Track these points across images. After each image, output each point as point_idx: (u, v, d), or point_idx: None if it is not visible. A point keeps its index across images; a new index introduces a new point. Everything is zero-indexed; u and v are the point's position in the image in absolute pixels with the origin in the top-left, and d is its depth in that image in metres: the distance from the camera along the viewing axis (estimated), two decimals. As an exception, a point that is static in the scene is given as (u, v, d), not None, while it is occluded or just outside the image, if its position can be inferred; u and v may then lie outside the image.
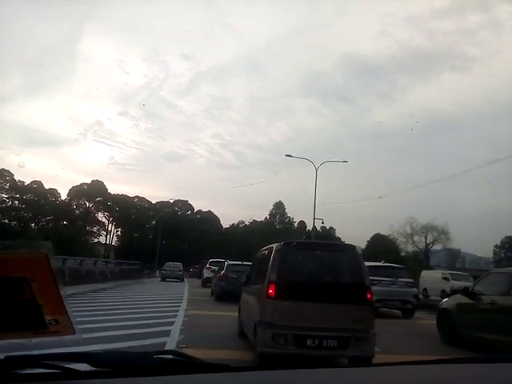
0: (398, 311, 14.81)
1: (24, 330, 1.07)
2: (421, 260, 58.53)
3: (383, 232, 63.84)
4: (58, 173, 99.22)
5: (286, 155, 36.27)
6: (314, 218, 35.70)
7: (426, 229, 58.59)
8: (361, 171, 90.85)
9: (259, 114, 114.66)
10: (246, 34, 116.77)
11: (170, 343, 7.16)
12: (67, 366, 1.16)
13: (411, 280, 15.38)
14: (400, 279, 14.60)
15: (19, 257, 1.05)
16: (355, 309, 6.01)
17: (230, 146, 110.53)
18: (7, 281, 1.01)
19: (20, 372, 1.10)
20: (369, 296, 6.08)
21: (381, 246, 58.81)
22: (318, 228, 41.52)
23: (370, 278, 6.82)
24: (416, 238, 59.81)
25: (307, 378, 1.29)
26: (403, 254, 60.23)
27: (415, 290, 14.93)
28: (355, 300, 6.06)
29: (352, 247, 7.00)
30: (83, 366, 1.15)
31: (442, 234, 57.51)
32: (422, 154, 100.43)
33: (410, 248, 60.94)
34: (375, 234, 65.58)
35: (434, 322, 10.02)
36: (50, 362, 1.14)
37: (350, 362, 5.82)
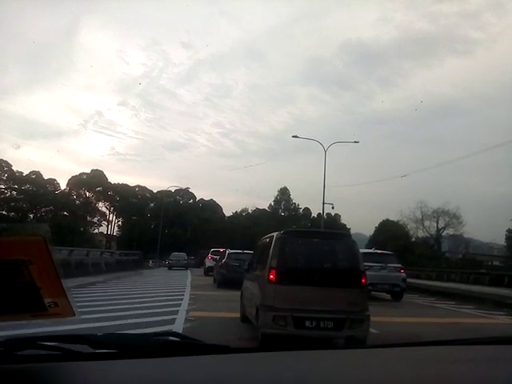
0: (388, 294, 16.06)
1: (23, 313, 1.08)
2: (432, 246, 57.64)
3: (392, 218, 63.09)
4: (53, 159, 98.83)
5: (293, 136, 35.41)
6: (324, 203, 34.72)
7: (438, 213, 57.39)
8: (365, 156, 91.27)
9: (260, 102, 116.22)
10: (245, 22, 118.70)
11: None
12: (67, 347, 1.19)
13: (400, 265, 16.71)
14: (389, 264, 16.00)
15: (17, 240, 1.05)
16: (350, 292, 6.47)
17: (231, 134, 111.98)
18: (5, 264, 1.01)
19: (20, 353, 1.13)
20: (363, 280, 6.55)
21: (390, 231, 58.06)
22: (324, 214, 40.19)
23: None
24: (427, 222, 58.75)
25: (306, 359, 1.32)
26: (414, 239, 59.23)
27: (403, 274, 16.12)
28: (351, 284, 6.52)
29: (348, 235, 7.69)
30: (83, 348, 1.17)
31: (454, 218, 56.32)
32: (425, 138, 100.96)
33: (421, 234, 59.92)
34: (384, 220, 64.64)
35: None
36: (50, 344, 1.17)
37: (346, 342, 6.16)
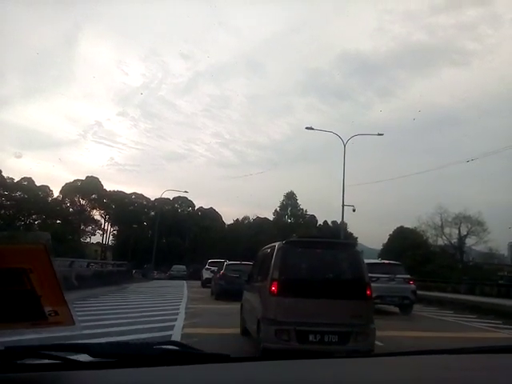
0: (396, 307, 15.58)
1: (24, 321, 1.12)
2: (453, 255, 55.00)
3: (408, 225, 60.04)
4: (51, 169, 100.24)
5: (307, 128, 32.79)
6: (343, 205, 32.03)
7: (459, 219, 53.36)
8: (368, 163, 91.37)
9: (259, 113, 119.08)
10: (244, 33, 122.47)
11: None
12: (68, 356, 1.23)
13: (409, 276, 16.31)
14: (398, 276, 15.57)
15: (18, 248, 1.09)
16: (355, 304, 6.47)
17: (230, 144, 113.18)
18: (6, 272, 1.05)
19: (20, 362, 1.17)
20: (368, 292, 6.53)
21: (407, 239, 55.89)
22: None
23: (369, 275, 7.13)
24: (447, 230, 55.09)
25: (308, 369, 1.35)
26: (432, 248, 56.22)
27: (413, 286, 15.76)
28: (355, 296, 6.52)
29: (352, 244, 7.68)
30: (84, 357, 1.22)
31: (478, 224, 52.18)
32: (421, 148, 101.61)
33: (442, 242, 56.42)
34: (398, 227, 61.84)
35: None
36: (51, 353, 1.21)
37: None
